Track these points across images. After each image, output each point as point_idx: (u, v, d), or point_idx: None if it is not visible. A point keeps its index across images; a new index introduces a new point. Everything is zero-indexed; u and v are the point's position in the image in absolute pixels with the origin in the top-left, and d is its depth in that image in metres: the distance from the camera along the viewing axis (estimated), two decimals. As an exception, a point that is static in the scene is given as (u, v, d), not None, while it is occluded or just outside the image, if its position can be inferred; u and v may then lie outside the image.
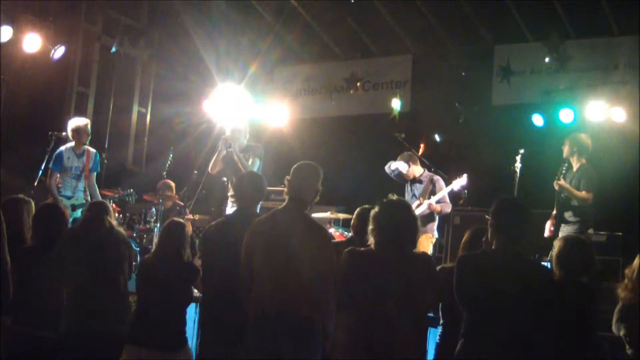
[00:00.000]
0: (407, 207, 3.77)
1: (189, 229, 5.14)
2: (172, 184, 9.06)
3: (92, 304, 4.36)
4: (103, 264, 4.45)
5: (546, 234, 6.88)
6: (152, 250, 6.11)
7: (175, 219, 4.96)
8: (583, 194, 6.64)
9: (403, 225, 3.63)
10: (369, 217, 3.96)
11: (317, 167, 4.09)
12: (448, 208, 7.49)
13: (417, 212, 7.25)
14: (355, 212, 4.93)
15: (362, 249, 3.81)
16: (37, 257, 4.51)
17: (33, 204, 4.93)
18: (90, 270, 4.40)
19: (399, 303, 3.51)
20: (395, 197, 3.74)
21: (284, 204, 3.99)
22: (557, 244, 4.11)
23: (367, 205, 4.78)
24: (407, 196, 7.55)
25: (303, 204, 3.95)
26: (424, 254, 3.89)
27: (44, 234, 4.60)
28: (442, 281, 3.87)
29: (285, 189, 4.01)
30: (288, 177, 4.01)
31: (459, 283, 3.50)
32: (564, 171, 6.75)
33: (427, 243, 7.32)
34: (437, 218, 7.43)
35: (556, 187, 6.72)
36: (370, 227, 3.70)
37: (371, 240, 3.70)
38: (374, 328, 3.51)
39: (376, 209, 3.70)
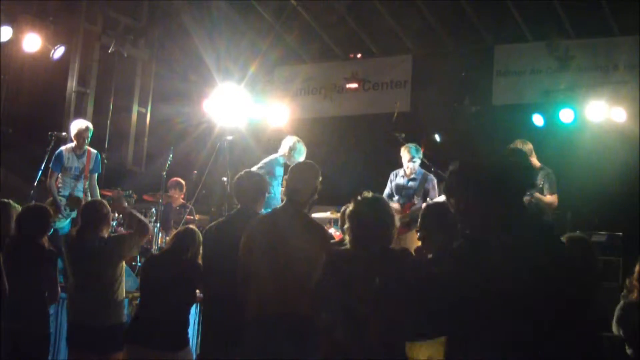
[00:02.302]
0: (382, 204, 3.73)
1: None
2: (183, 183, 9.08)
3: (85, 300, 4.62)
4: (93, 263, 4.68)
5: None
6: (159, 251, 6.14)
7: (191, 226, 5.01)
8: (549, 198, 6.81)
9: (376, 222, 3.60)
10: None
11: (315, 166, 4.09)
12: None
13: (413, 209, 7.31)
14: (341, 211, 4.88)
15: (339, 248, 3.79)
16: (20, 256, 4.65)
17: (12, 207, 4.99)
18: (82, 269, 4.70)
19: (373, 301, 3.48)
20: (370, 194, 3.71)
21: (282, 203, 3.99)
22: None
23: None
24: (397, 193, 7.56)
25: (301, 204, 3.94)
26: (402, 249, 3.85)
27: (25, 233, 4.74)
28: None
29: (283, 189, 4.02)
30: (286, 177, 4.01)
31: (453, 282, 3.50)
32: (540, 184, 6.85)
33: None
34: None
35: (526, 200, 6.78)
36: (346, 225, 3.67)
37: (346, 238, 3.68)
38: (349, 327, 3.48)
39: (350, 207, 3.67)
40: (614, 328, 4.04)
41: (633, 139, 8.14)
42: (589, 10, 8.90)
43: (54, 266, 4.71)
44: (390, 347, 3.47)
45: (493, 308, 3.24)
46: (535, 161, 7.04)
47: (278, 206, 4.03)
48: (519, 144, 7.10)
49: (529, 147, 7.05)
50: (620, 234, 7.43)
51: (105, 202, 5.25)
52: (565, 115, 8.56)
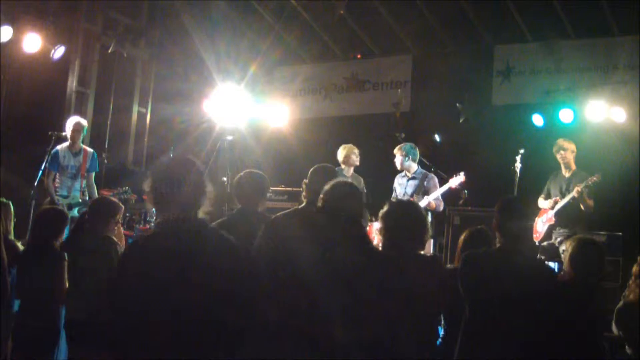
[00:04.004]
0: (416, 208, 3.77)
1: None
2: None
3: (81, 296, 4.66)
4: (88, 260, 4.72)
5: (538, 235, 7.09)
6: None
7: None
8: (591, 202, 6.87)
9: (411, 225, 3.62)
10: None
11: (334, 170, 4.11)
12: (442, 206, 7.59)
13: None
14: None
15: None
16: (34, 257, 4.88)
17: (12, 206, 5.26)
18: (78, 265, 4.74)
19: (400, 303, 3.50)
20: (405, 197, 3.77)
21: (302, 205, 3.98)
22: (570, 245, 4.11)
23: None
24: (400, 192, 7.59)
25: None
26: (433, 255, 3.90)
27: (41, 235, 4.92)
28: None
29: (303, 192, 4.01)
30: (305, 180, 4.03)
31: (463, 280, 3.52)
32: (590, 183, 6.88)
33: None
34: (429, 214, 7.50)
35: (575, 195, 6.87)
36: (379, 226, 3.71)
37: (378, 239, 3.72)
38: (375, 327, 3.51)
39: (384, 208, 3.70)
40: (614, 328, 4.04)
41: (633, 139, 8.14)
42: (589, 10, 8.89)
43: (63, 267, 4.78)
44: (420, 347, 3.50)
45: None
46: (573, 163, 7.18)
47: (299, 207, 4.01)
48: (561, 142, 7.20)
49: (572, 146, 7.16)
50: (620, 234, 7.44)
51: (110, 199, 5.24)
52: (565, 115, 8.56)
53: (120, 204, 5.07)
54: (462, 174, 7.54)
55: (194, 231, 2.87)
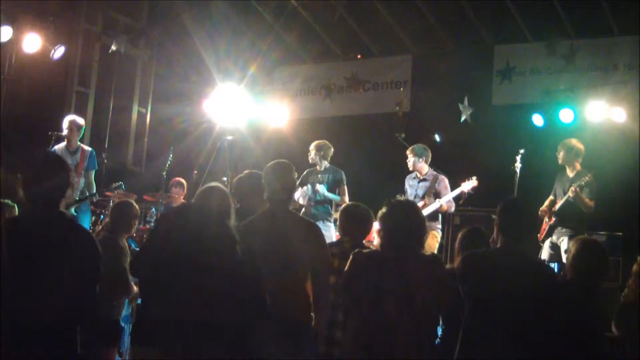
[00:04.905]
0: (414, 208, 3.76)
1: None
2: (185, 183, 9.10)
3: None
4: None
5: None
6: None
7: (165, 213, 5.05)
8: (590, 202, 6.84)
9: (409, 226, 3.62)
10: (354, 214, 4.20)
11: (284, 162, 4.14)
12: (453, 207, 7.59)
13: (423, 212, 7.32)
14: (340, 211, 4.89)
15: (367, 250, 3.82)
16: None
17: (17, 208, 5.16)
18: None
19: (400, 303, 3.50)
20: (403, 197, 3.77)
21: (268, 206, 4.02)
22: (573, 246, 4.11)
23: (350, 203, 4.87)
24: (411, 194, 7.59)
25: (285, 202, 3.99)
26: (433, 255, 3.88)
27: None
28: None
29: (265, 194, 4.04)
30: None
31: (462, 280, 3.52)
32: (583, 183, 6.85)
33: (433, 241, 7.35)
34: (440, 216, 7.50)
35: (571, 194, 6.84)
36: (377, 227, 3.71)
37: (378, 240, 3.72)
38: (375, 328, 3.51)
39: (383, 209, 3.69)
40: (614, 328, 4.04)
41: (633, 139, 8.14)
42: (589, 10, 8.89)
43: None
44: (419, 347, 3.49)
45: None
46: (577, 163, 7.14)
47: (266, 208, 4.03)
48: (564, 142, 7.18)
49: (574, 146, 7.15)
50: (620, 234, 7.43)
51: (129, 202, 5.26)
52: (565, 115, 8.56)
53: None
54: (474, 178, 7.55)
55: (50, 220, 3.28)
